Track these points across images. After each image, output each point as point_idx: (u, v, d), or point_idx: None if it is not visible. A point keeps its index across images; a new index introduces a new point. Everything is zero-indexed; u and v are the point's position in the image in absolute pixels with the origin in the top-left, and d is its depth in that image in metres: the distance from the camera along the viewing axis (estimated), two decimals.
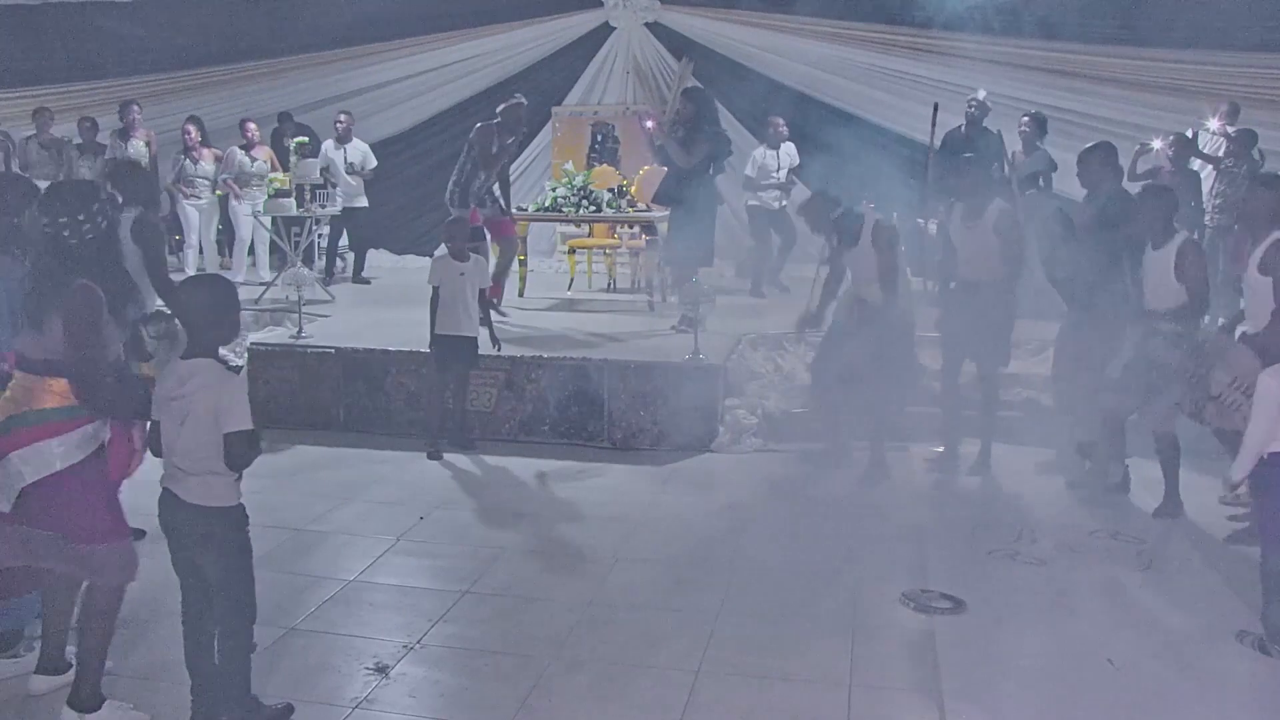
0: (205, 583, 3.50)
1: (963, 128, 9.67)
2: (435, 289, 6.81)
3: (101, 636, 3.61)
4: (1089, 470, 6.17)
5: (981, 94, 9.70)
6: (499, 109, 8.63)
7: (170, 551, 3.53)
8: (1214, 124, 9.39)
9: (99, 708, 3.59)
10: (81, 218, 3.51)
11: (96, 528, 3.52)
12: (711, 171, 8.45)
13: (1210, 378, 5.13)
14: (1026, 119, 9.37)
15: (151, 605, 4.31)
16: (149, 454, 3.61)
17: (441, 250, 7.08)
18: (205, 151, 11.03)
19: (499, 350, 7.09)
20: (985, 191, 6.42)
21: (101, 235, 3.57)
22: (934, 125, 8.87)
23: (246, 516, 3.53)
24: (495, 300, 8.59)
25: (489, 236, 8.75)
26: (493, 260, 8.83)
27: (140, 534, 4.17)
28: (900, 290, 6.33)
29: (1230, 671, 4.06)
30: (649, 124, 8.54)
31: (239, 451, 3.36)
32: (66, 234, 3.49)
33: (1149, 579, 4.96)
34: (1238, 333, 5.54)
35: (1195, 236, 5.79)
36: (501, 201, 8.96)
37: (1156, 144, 9.11)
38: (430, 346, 6.90)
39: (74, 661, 3.71)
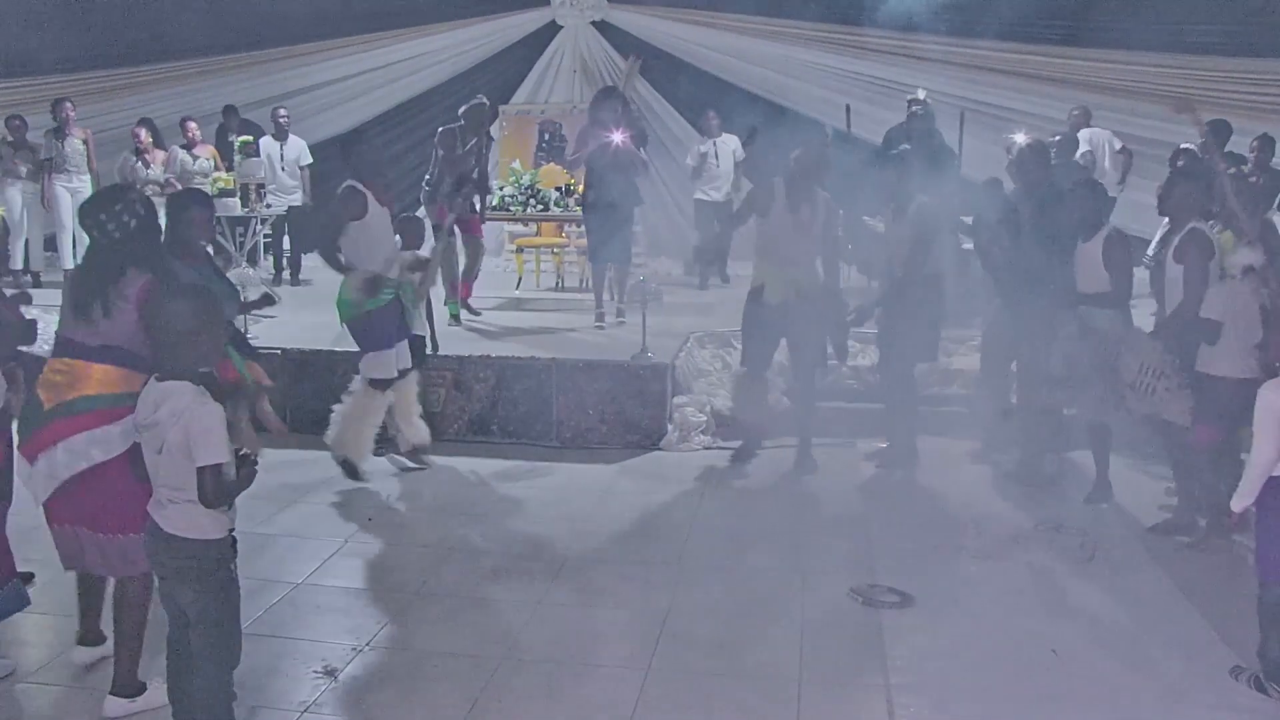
0: (184, 615, 3.34)
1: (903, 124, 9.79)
2: None
3: (136, 625, 3.69)
4: (1020, 462, 6.27)
5: (921, 93, 9.81)
6: (461, 110, 8.54)
7: (156, 579, 3.43)
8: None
9: (141, 692, 3.71)
10: (119, 208, 3.68)
11: (130, 518, 3.53)
12: (628, 172, 8.31)
13: (1120, 365, 5.24)
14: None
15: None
16: None
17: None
18: (157, 154, 10.75)
19: (435, 351, 7.06)
20: (910, 189, 6.44)
21: (141, 221, 3.72)
22: (849, 126, 8.94)
23: (233, 550, 3.34)
24: (466, 300, 8.66)
25: (458, 233, 8.65)
26: (461, 260, 8.80)
27: None
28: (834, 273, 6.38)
29: (1171, 661, 4.14)
30: (617, 138, 8.27)
31: (210, 487, 3.16)
32: (111, 228, 3.67)
33: (1091, 571, 5.04)
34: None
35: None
36: (475, 203, 8.86)
37: (1019, 137, 9.20)
38: None
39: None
